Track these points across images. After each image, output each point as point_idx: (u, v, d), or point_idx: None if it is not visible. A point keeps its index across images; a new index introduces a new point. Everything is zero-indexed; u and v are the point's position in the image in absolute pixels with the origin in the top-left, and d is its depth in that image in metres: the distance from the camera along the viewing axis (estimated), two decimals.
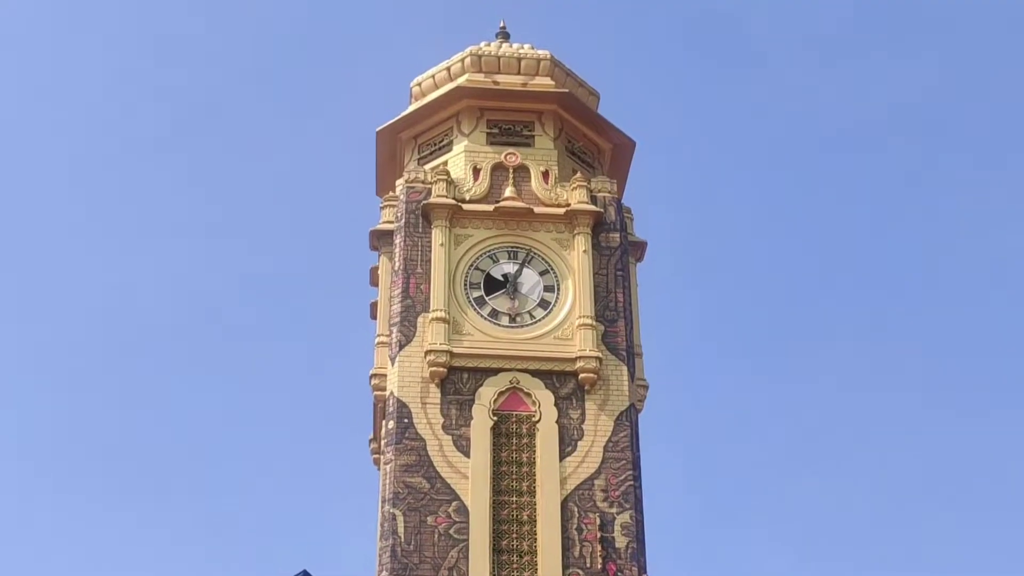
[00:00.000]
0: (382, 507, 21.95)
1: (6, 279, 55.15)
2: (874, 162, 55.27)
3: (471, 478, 21.88)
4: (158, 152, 55.01)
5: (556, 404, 22.69)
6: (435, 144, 26.27)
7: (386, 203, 25.60)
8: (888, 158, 55.59)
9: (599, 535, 21.62)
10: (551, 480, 21.97)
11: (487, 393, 22.68)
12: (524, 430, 22.56)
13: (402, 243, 24.36)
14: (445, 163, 25.61)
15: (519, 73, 26.18)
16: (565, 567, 21.24)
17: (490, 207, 24.53)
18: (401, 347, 23.16)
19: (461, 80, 26.04)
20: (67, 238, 55.32)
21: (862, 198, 54.80)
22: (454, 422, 22.42)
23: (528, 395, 22.74)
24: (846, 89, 55.25)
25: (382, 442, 23.14)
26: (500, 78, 26.10)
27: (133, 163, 55.33)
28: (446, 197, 24.36)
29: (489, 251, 24.38)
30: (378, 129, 26.58)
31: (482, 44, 26.82)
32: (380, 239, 25.12)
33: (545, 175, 25.10)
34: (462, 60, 26.46)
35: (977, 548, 51.51)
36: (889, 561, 48.58)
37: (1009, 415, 52.63)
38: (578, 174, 25.27)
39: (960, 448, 52.88)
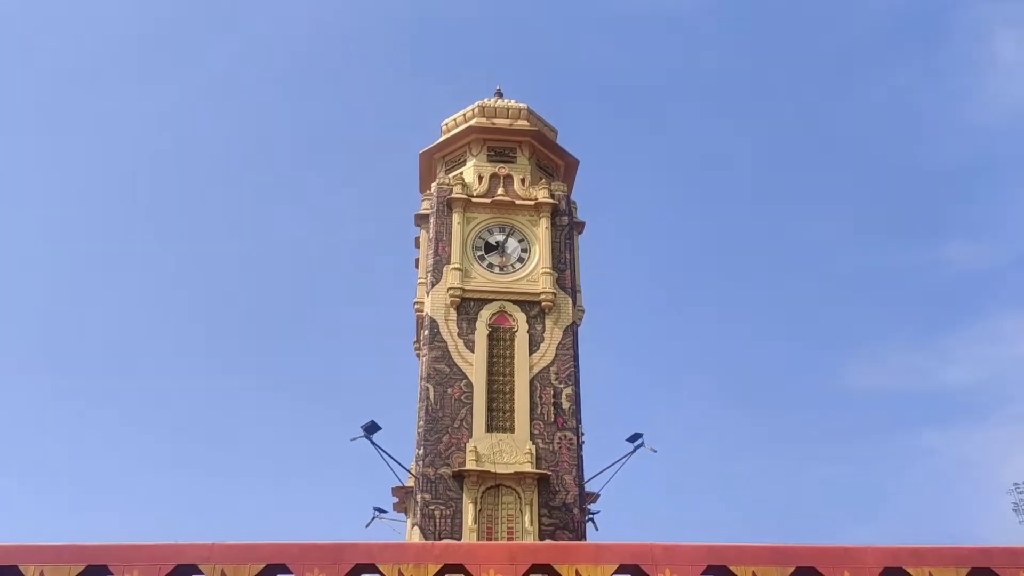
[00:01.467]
0: (420, 383, 25.81)
1: None
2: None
3: (475, 365, 25.86)
4: (288, 170, 64.55)
5: (527, 321, 26.65)
6: (455, 161, 29.95)
7: (425, 197, 29.33)
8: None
9: (553, 401, 25.61)
10: (523, 367, 25.97)
11: (485, 314, 26.58)
12: (507, 336, 26.47)
13: (434, 222, 27.96)
14: (461, 173, 29.31)
15: (507, 118, 29.95)
16: (531, 420, 25.29)
17: (488, 200, 28.28)
18: (433, 285, 26.97)
19: (472, 122, 29.87)
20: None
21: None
22: (464, 331, 26.30)
23: (510, 315, 26.72)
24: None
25: (421, 343, 26.88)
26: (496, 121, 29.85)
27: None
28: (462, 194, 28.16)
29: (487, 227, 28.01)
30: (420, 152, 30.39)
31: (485, 99, 30.49)
32: (421, 220, 28.86)
33: (523, 181, 28.92)
34: (473, 109, 30.31)
35: None
36: None
37: None
38: (543, 180, 29.29)
39: None
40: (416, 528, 23.98)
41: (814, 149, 66.27)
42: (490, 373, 25.73)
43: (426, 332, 26.35)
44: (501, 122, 29.92)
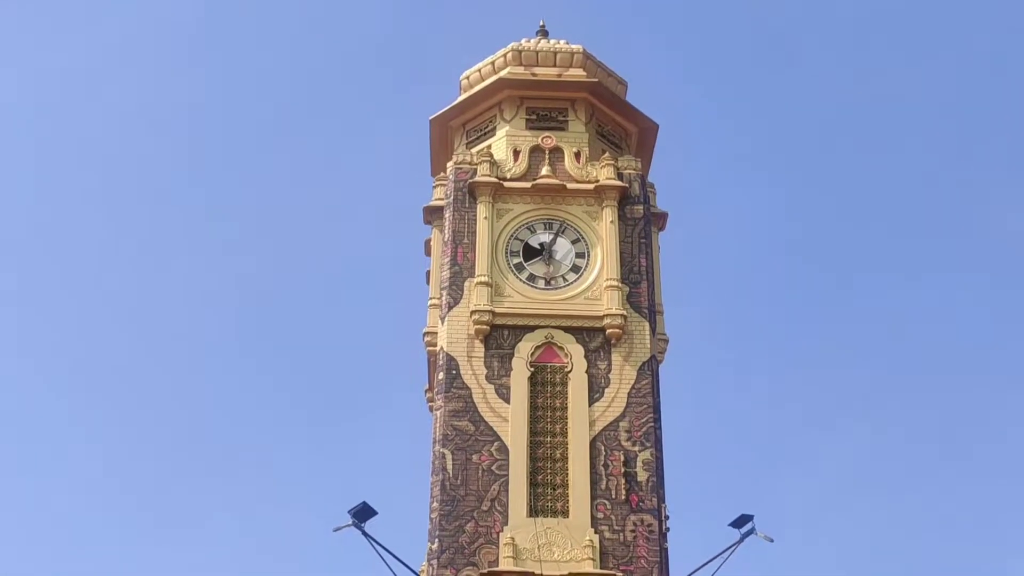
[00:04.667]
0: (434, 447, 22.42)
1: None
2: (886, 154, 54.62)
3: (511, 421, 22.32)
4: (251, 151, 56.53)
5: (586, 356, 23.05)
6: (481, 130, 26.52)
7: (438, 183, 25.95)
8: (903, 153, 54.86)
9: (623, 470, 21.99)
10: (581, 422, 22.40)
11: (525, 347, 23.09)
12: (558, 379, 22.93)
13: (451, 217, 24.77)
14: (489, 146, 25.84)
15: (555, 65, 26.39)
16: (593, 499, 21.65)
17: (528, 184, 24.83)
18: (450, 308, 23.62)
19: (503, 73, 26.31)
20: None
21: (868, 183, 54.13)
22: (496, 373, 22.86)
23: (561, 348, 23.13)
24: (861, 82, 54.24)
25: (435, 390, 23.43)
26: (538, 70, 26.33)
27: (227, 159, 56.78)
28: (489, 176, 24.71)
29: (527, 223, 24.76)
30: (431, 118, 26.80)
31: (522, 40, 27.02)
32: (432, 214, 25.53)
33: (577, 155, 25.33)
34: (504, 55, 26.67)
35: None
36: None
37: None
38: (607, 154, 25.52)
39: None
40: None
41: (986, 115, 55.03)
42: (533, 433, 22.53)
43: (441, 375, 23.13)
44: (546, 72, 26.32)
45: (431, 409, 24.04)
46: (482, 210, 24.56)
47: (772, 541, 22.02)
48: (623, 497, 21.79)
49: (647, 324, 23.67)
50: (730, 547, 21.94)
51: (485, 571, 20.89)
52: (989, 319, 52.12)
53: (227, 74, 57.06)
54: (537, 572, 20.80)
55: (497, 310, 23.44)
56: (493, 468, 21.95)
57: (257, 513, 48.83)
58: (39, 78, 56.55)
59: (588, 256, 24.35)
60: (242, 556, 47.40)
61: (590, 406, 22.65)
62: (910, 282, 52.36)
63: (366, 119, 55.06)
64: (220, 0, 56.80)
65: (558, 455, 22.22)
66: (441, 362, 23.14)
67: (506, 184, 24.86)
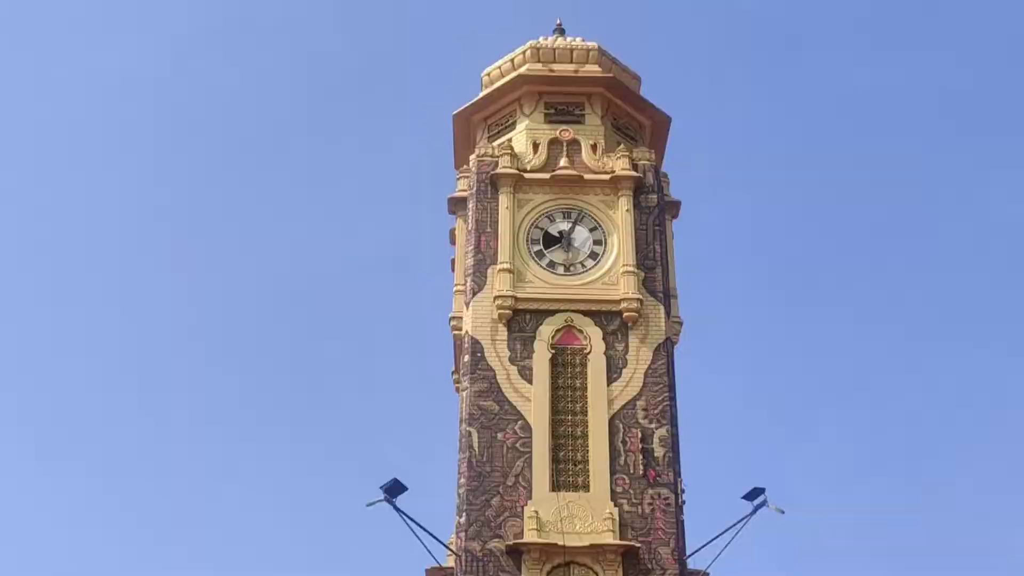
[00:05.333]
0: (461, 426, 22.79)
1: None
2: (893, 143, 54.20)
3: (533, 401, 22.63)
4: (277, 144, 56.73)
5: (604, 338, 23.38)
6: (502, 124, 26.81)
7: (461, 175, 26.21)
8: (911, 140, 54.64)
9: (641, 447, 22.39)
10: (600, 402, 22.72)
11: (546, 330, 23.42)
12: (577, 360, 23.23)
13: (474, 207, 25.02)
14: (510, 139, 26.16)
15: (571, 62, 26.65)
16: (612, 473, 22.00)
17: (547, 175, 25.13)
18: (474, 294, 23.91)
19: (523, 69, 26.57)
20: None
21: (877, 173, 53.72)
22: (519, 355, 23.18)
23: (580, 331, 23.42)
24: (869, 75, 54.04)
25: (461, 372, 23.87)
26: (555, 67, 26.58)
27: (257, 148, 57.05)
28: (510, 168, 25.04)
29: (547, 212, 25.03)
30: (454, 113, 27.04)
31: (540, 38, 27.20)
32: (457, 205, 25.82)
33: (594, 147, 25.64)
34: (523, 52, 26.94)
35: None
36: None
37: None
38: (622, 146, 25.76)
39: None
40: None
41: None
42: (555, 411, 22.85)
43: (467, 357, 23.41)
44: (563, 68, 26.61)
45: (457, 390, 24.44)
46: (504, 200, 24.84)
47: (783, 513, 22.00)
48: (641, 472, 22.10)
49: (662, 307, 23.92)
50: (743, 519, 21.95)
51: (511, 543, 21.16)
52: (991, 293, 52.02)
53: (261, 74, 57.59)
54: (560, 543, 21.10)
55: (519, 295, 23.72)
56: (517, 445, 22.29)
57: (295, 488, 49.20)
58: (50, 83, 56.58)
59: (605, 243, 24.60)
60: (279, 530, 47.91)
61: (608, 386, 22.95)
62: (914, 262, 52.49)
63: (393, 115, 55.46)
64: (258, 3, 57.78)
65: (579, 432, 22.57)
66: (466, 345, 23.44)
67: (526, 175, 25.13)
